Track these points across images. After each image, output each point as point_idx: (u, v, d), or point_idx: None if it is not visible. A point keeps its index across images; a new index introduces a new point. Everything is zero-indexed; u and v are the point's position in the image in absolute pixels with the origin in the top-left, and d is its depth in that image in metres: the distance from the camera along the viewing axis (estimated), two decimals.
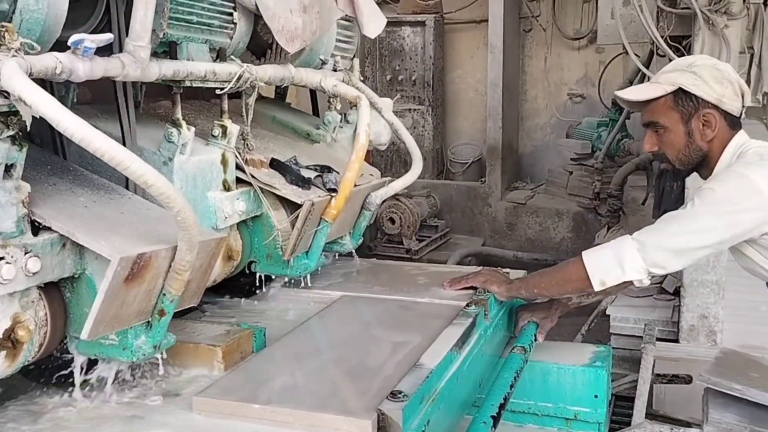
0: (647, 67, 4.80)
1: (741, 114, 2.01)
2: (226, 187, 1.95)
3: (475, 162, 7.99)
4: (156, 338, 1.54)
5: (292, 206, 2.10)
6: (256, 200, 2.03)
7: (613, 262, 1.96)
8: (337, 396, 1.56)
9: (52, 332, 1.48)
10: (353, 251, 2.58)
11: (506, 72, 7.49)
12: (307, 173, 2.16)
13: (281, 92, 2.84)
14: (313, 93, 2.79)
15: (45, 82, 1.39)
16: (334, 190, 2.13)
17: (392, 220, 6.91)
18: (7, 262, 1.31)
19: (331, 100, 2.56)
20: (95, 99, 1.94)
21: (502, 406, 1.72)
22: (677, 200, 3.91)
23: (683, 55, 3.79)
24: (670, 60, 3.83)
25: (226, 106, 1.95)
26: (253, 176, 2.00)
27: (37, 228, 1.41)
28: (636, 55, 4.42)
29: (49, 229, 1.41)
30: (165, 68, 1.62)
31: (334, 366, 1.74)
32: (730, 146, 2.01)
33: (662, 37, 3.74)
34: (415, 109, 7.60)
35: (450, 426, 1.68)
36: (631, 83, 6.60)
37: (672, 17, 3.87)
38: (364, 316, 2.15)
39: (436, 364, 1.61)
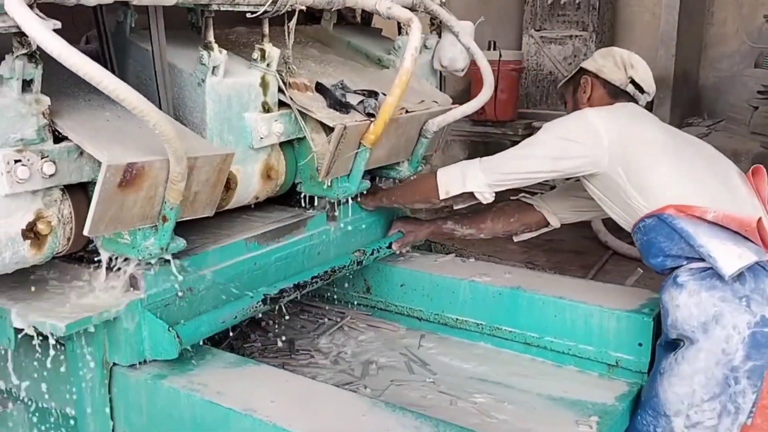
0: None
1: (626, 86, 2.28)
2: (266, 109, 2.06)
3: None
4: (162, 241, 1.72)
5: (332, 130, 2.16)
6: (296, 123, 2.12)
7: (458, 176, 2.25)
8: None
9: (78, 228, 1.71)
10: None
11: None
12: (352, 98, 2.20)
13: (366, 18, 2.86)
14: None
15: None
16: (372, 115, 2.15)
17: None
18: (22, 165, 1.53)
19: (404, 24, 2.54)
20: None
21: (283, 291, 2.07)
22: None
23: None
24: None
25: (266, 30, 2.03)
26: (291, 99, 2.09)
27: (59, 137, 1.62)
28: None
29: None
30: None
31: None
32: None
33: None
34: (576, 36, 7.15)
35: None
36: None
37: None
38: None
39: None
